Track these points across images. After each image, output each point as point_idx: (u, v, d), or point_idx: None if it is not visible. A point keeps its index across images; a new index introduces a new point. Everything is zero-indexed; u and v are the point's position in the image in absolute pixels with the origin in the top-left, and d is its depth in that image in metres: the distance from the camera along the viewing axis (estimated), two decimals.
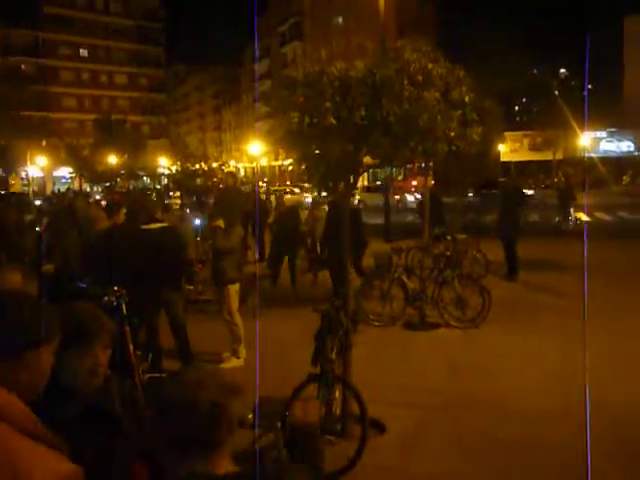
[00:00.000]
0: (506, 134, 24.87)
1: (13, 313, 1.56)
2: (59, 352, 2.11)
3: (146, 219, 7.23)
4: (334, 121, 4.75)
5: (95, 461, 2.02)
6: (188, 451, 1.67)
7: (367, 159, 5.54)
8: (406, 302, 9.45)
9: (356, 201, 33.93)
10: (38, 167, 48.98)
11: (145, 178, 59.33)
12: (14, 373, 1.53)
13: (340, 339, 5.24)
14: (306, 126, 5.07)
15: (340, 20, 66.26)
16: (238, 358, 7.61)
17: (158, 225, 7.17)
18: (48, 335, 1.63)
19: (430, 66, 5.22)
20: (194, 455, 1.68)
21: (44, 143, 51.36)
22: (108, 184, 45.44)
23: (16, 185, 46.72)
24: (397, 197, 36.15)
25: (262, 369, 5.75)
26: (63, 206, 15.21)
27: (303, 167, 5.41)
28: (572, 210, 21.07)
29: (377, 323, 9.29)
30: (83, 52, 70.79)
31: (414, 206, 26.69)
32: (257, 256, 13.54)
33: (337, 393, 5.34)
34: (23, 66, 64.78)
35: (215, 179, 50.37)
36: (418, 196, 32.09)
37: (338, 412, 5.37)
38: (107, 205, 9.02)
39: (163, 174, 63.87)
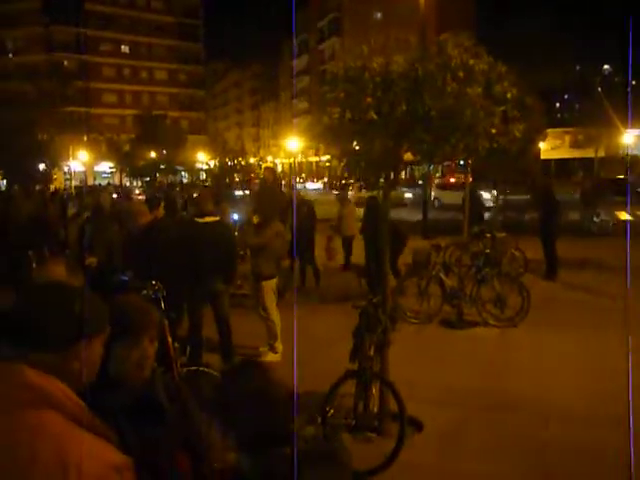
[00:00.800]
0: (548, 131, 24.39)
1: (66, 305, 1.58)
2: (108, 344, 2.14)
3: (199, 212, 7.31)
4: (375, 116, 4.73)
5: (140, 452, 2.05)
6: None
7: (407, 155, 5.50)
8: (444, 300, 9.37)
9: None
10: (80, 162, 49.99)
11: (183, 173, 59.99)
12: (66, 363, 1.55)
13: (378, 336, 5.22)
14: (347, 122, 5.06)
15: (379, 15, 65.95)
16: (275, 353, 7.64)
17: (211, 218, 7.24)
18: (99, 326, 1.65)
19: (472, 62, 5.15)
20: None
21: (85, 138, 52.38)
22: (147, 179, 46.10)
23: (59, 179, 47.67)
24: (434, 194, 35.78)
25: (299, 364, 5.78)
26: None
27: (343, 163, 5.40)
28: (602, 210, 20.14)
29: (414, 320, 9.23)
30: (124, 48, 71.90)
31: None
32: (294, 252, 13.52)
33: (374, 390, 5.32)
34: (66, 62, 66.07)
35: (252, 174, 50.71)
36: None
37: (375, 409, 5.35)
38: (148, 199, 9.14)
39: (201, 169, 64.52)
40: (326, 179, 59.17)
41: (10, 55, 64.45)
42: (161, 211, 7.66)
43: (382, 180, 5.33)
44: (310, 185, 59.75)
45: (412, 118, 4.91)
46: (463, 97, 4.95)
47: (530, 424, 5.62)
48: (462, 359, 7.62)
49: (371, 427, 5.24)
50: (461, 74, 5.00)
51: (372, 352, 5.23)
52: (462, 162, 16.51)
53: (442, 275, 9.49)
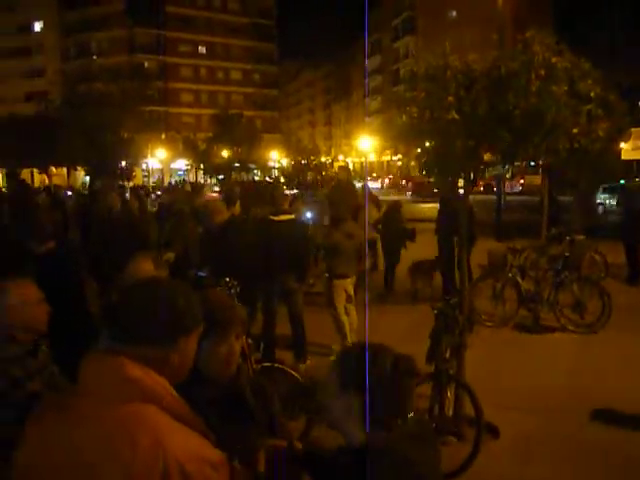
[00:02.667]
0: (632, 130, 23.35)
1: (169, 300, 1.60)
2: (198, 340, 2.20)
3: (274, 211, 7.41)
4: (457, 116, 4.65)
5: (227, 446, 2.09)
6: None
7: (487, 155, 5.39)
8: (520, 303, 9.14)
9: None
10: (157, 159, 51.53)
11: (256, 171, 60.91)
12: (167, 358, 1.58)
13: (455, 338, 5.14)
14: (426, 121, 5.00)
15: (454, 13, 64.96)
16: None
17: (286, 217, 7.33)
18: (197, 321, 1.68)
19: (554, 59, 5.00)
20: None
21: (163, 136, 53.95)
22: (222, 176, 47.03)
23: (137, 176, 49.31)
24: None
25: None
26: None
27: (415, 162, 5.35)
28: None
29: (489, 323, 9.03)
30: (201, 49, 73.57)
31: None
32: (366, 252, 13.45)
33: (449, 393, 5.24)
34: (146, 63, 68.25)
35: (325, 172, 50.88)
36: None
37: (450, 413, 5.27)
38: (225, 197, 9.31)
39: (273, 167, 65.29)
40: (387, 178, 58.47)
41: (94, 57, 67.12)
42: (237, 208, 7.80)
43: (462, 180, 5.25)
44: (370, 184, 59.34)
45: (494, 117, 4.81)
46: (547, 95, 4.81)
47: (610, 433, 5.41)
48: (539, 365, 7.40)
49: (449, 431, 5.16)
50: (542, 72, 4.86)
51: (448, 354, 5.16)
52: (532, 163, 15.99)
53: (518, 278, 9.25)
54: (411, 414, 1.84)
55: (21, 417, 1.65)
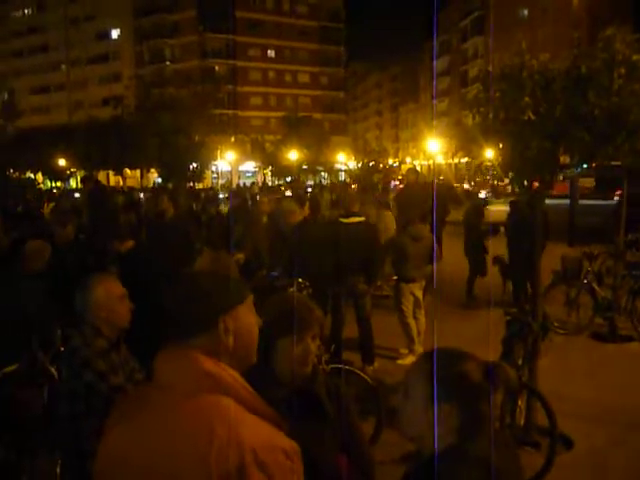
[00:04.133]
0: None
1: (194, 286, 1.64)
2: (273, 339, 2.22)
3: (345, 212, 7.43)
4: (533, 116, 4.53)
5: (301, 447, 2.09)
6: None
7: (564, 157, 5.23)
8: (595, 311, 8.81)
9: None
10: (226, 161, 52.42)
11: (323, 173, 61.10)
12: (219, 342, 1.60)
13: (528, 345, 5.00)
14: (500, 122, 4.90)
15: (525, 12, 63.47)
16: (415, 356, 7.57)
17: (355, 219, 7.33)
18: (235, 297, 1.67)
19: (635, 57, 4.80)
20: None
21: (233, 139, 54.89)
22: (289, 179, 47.43)
23: (207, 178, 50.34)
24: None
25: None
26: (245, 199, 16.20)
27: (497, 163, 5.23)
28: None
29: (561, 331, 8.74)
30: (270, 53, 74.49)
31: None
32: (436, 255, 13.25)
33: (521, 402, 5.11)
34: (217, 68, 69.65)
35: (393, 175, 50.54)
36: None
37: (522, 422, 5.14)
38: (297, 198, 9.37)
39: (340, 170, 65.36)
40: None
41: (168, 62, 69.08)
42: (306, 210, 7.85)
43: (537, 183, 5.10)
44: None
45: (572, 118, 4.66)
46: (630, 94, 4.63)
47: None
48: (615, 375, 7.12)
49: (522, 440, 5.03)
50: (623, 70, 4.68)
51: (521, 362, 5.03)
52: (585, 165, 15.35)
53: (595, 285, 8.93)
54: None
55: (106, 410, 1.71)
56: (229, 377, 1.55)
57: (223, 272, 1.74)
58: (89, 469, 1.73)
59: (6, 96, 53.96)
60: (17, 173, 44.14)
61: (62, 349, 5.26)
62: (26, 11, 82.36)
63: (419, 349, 7.58)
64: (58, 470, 4.09)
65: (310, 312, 2.26)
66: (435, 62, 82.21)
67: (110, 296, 3.20)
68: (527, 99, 4.53)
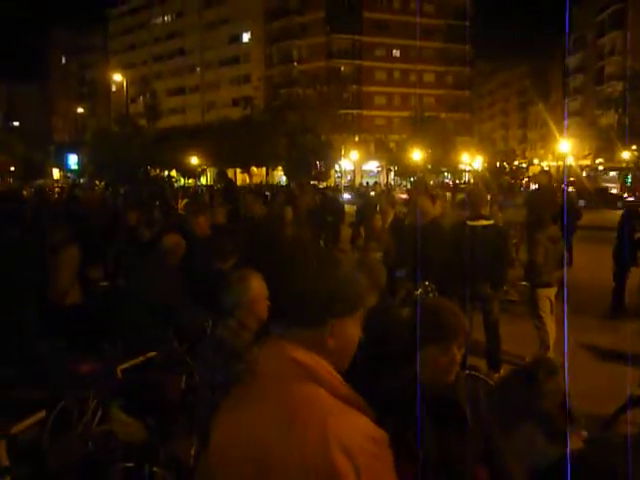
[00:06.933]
0: None
1: (318, 282, 1.65)
2: (418, 345, 2.20)
3: (472, 215, 7.26)
4: None
5: (439, 455, 2.07)
6: None
7: None
8: None
9: None
10: (350, 161, 52.89)
11: (446, 174, 60.11)
12: (321, 341, 1.63)
13: None
14: None
15: None
16: None
17: (483, 222, 7.14)
18: (350, 306, 1.68)
19: None
20: None
21: (357, 138, 55.28)
22: (412, 178, 47.10)
23: (331, 177, 51.06)
24: None
25: (570, 379, 5.39)
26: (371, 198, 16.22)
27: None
28: None
29: None
30: (395, 53, 74.22)
31: None
32: (566, 260, 12.67)
33: None
34: (342, 68, 70.41)
35: (521, 177, 48.84)
36: None
37: None
38: (431, 197, 9.24)
39: (464, 170, 63.98)
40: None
41: (295, 64, 70.76)
42: (438, 210, 7.76)
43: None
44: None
45: None
46: None
47: None
48: None
49: None
50: None
51: None
52: None
53: None
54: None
55: None
56: (318, 365, 1.60)
57: (345, 276, 1.74)
58: None
59: (149, 98, 57.60)
60: (157, 170, 46.96)
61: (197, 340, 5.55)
62: (166, 18, 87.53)
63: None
64: (193, 452, 4.33)
65: (459, 320, 2.22)
66: (567, 59, 78.24)
67: (260, 291, 3.36)
68: None
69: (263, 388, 1.60)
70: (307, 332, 1.63)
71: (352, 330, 1.70)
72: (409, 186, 41.58)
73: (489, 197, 10.43)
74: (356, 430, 1.50)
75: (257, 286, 3.39)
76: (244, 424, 1.59)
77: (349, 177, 62.02)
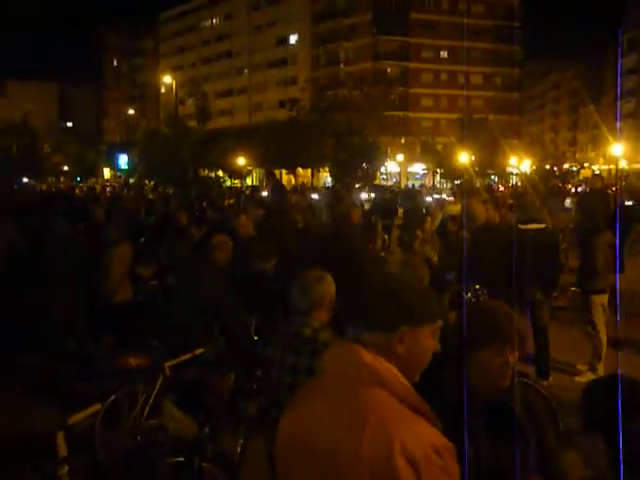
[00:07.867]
0: None
1: (395, 290, 1.70)
2: (471, 349, 2.18)
3: (524, 219, 7.14)
4: None
5: (492, 463, 2.04)
6: None
7: None
8: None
9: None
10: (396, 162, 52.64)
11: (493, 177, 59.21)
12: (391, 346, 1.66)
13: None
14: None
15: None
16: (595, 374, 7.08)
17: (535, 226, 7.02)
18: (424, 317, 1.71)
19: None
20: None
21: (403, 141, 54.97)
22: (458, 181, 46.58)
23: (376, 180, 50.95)
24: None
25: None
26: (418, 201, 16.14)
27: None
28: None
29: None
30: (443, 54, 73.48)
31: None
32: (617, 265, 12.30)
33: None
34: (389, 69, 70.08)
35: (572, 180, 47.81)
36: None
37: None
38: (484, 201, 9.11)
39: (512, 173, 62.95)
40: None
41: (341, 65, 70.80)
42: (490, 213, 7.66)
43: None
44: None
45: None
46: None
47: None
48: None
49: None
50: None
51: None
52: None
53: None
54: None
55: None
56: (386, 371, 1.62)
57: (426, 288, 1.80)
58: None
59: (199, 100, 58.55)
60: (206, 171, 47.69)
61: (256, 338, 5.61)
62: (214, 21, 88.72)
63: (601, 368, 7.09)
64: (238, 450, 4.38)
65: (511, 323, 2.19)
66: (621, 60, 76.28)
67: (333, 292, 3.43)
68: None
69: (335, 388, 1.63)
70: (377, 336, 1.66)
71: (425, 340, 1.72)
72: (455, 189, 41.18)
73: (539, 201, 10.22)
74: (422, 440, 1.51)
75: (332, 286, 3.43)
76: (316, 417, 1.62)
77: (394, 179, 61.76)
